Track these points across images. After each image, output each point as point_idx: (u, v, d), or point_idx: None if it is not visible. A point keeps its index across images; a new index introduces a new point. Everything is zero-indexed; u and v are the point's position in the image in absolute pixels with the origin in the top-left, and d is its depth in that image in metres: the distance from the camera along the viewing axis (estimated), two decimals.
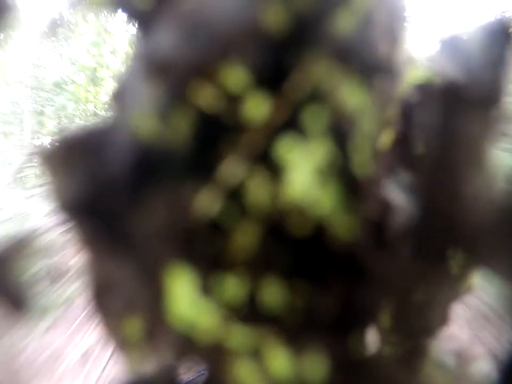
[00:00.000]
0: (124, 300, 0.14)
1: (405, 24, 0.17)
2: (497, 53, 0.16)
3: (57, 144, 0.13)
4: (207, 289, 0.14)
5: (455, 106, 0.16)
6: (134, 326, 0.14)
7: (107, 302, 0.14)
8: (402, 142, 0.16)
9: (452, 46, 0.17)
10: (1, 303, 0.17)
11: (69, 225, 0.13)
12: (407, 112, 0.16)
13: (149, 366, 0.14)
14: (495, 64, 0.16)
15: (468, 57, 0.17)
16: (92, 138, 0.13)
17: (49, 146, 0.13)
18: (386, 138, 0.17)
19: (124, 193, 0.13)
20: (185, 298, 0.14)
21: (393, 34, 0.16)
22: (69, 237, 0.13)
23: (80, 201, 0.13)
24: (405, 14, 0.17)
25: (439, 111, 0.16)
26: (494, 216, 0.17)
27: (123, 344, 0.14)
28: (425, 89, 0.16)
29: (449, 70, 0.17)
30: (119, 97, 0.13)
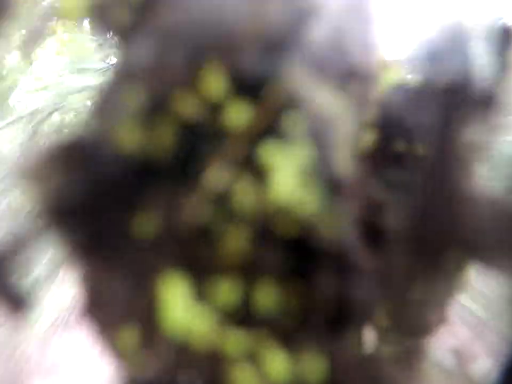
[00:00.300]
0: (118, 309, 0.14)
1: (377, 29, 0.17)
2: (466, 52, 0.17)
3: (41, 154, 0.14)
4: (201, 295, 0.15)
5: (431, 105, 0.17)
6: (130, 335, 0.14)
7: (101, 311, 0.14)
8: (384, 142, 0.17)
9: (426, 47, 0.18)
10: (1, 303, 0.17)
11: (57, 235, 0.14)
12: (386, 113, 0.17)
13: (146, 374, 0.14)
14: (467, 63, 0.17)
15: (441, 58, 0.17)
16: (75, 149, 0.14)
17: (31, 157, 0.13)
18: (367, 139, 0.17)
19: (110, 204, 0.14)
20: (179, 305, 0.14)
21: (365, 40, 0.17)
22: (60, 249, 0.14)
23: (67, 210, 0.13)
24: (377, 20, 0.18)
25: (416, 110, 0.17)
26: (491, 214, 0.17)
27: (119, 353, 0.14)
28: (401, 90, 0.17)
29: (424, 70, 0.18)
30: (100, 107, 0.14)
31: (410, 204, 0.17)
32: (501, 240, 0.18)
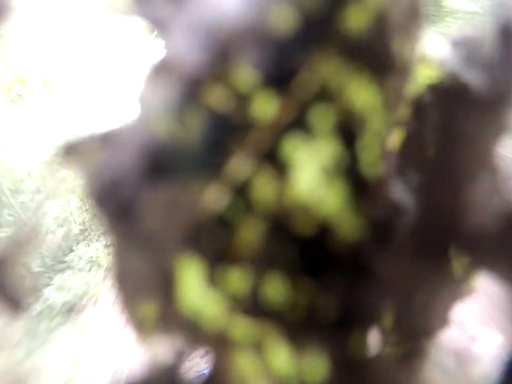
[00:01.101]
0: (139, 286, 0.15)
1: (421, 22, 0.16)
2: (510, 53, 0.16)
3: (87, 138, 0.14)
4: (213, 280, 0.15)
5: (467, 107, 0.16)
6: (149, 309, 0.15)
7: (127, 285, 0.15)
8: (413, 143, 0.16)
9: (465, 45, 0.17)
10: (0, 303, 0.18)
11: (95, 212, 0.14)
12: (419, 112, 0.16)
13: (161, 348, 0.15)
14: (508, 65, 0.16)
15: (481, 58, 0.16)
16: (117, 135, 0.14)
17: (78, 140, 0.14)
18: (396, 138, 0.16)
19: (137, 187, 0.14)
20: (193, 287, 0.15)
21: (407, 32, 0.16)
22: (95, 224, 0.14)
23: (104, 190, 0.14)
24: (422, 11, 0.16)
25: (450, 112, 0.16)
26: (498, 218, 0.17)
27: (139, 325, 0.15)
28: (438, 89, 0.16)
29: (462, 70, 0.16)
30: (142, 98, 0.14)
31: (423, 207, 0.17)
32: (508, 245, 0.17)
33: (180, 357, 0.17)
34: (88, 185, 0.14)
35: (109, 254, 0.16)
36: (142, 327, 0.15)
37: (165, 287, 0.15)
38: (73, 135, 0.14)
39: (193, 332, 0.15)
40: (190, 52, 0.12)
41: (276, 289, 0.15)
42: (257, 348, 0.15)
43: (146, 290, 0.15)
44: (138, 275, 0.15)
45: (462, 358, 0.19)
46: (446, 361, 0.18)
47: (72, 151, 0.15)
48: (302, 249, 0.15)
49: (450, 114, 0.16)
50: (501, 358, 0.20)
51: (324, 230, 0.15)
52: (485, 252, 0.17)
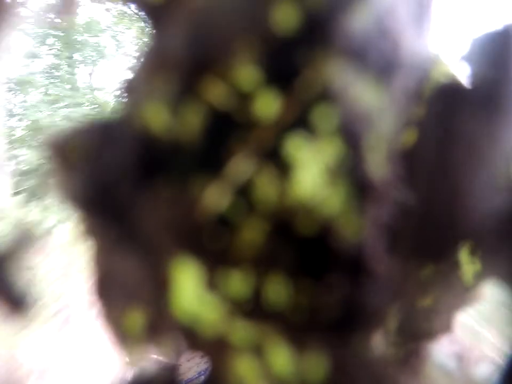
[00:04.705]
0: (127, 292, 0.14)
1: (432, 15, 0.16)
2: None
3: (69, 136, 0.13)
4: (212, 283, 0.15)
5: (482, 108, 0.15)
6: (136, 318, 0.14)
7: (110, 293, 0.14)
8: (424, 144, 0.16)
9: (484, 44, 0.16)
10: (0, 303, 0.17)
11: (76, 216, 0.14)
12: (431, 112, 0.16)
13: (149, 360, 0.15)
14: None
15: (501, 57, 0.15)
16: (103, 131, 0.14)
17: (60, 138, 0.13)
18: (407, 139, 0.16)
19: (132, 186, 0.14)
20: (190, 291, 0.14)
21: (418, 26, 0.15)
22: (75, 229, 0.14)
23: (89, 192, 0.13)
24: (433, 4, 0.16)
25: (464, 112, 0.15)
26: (499, 217, 0.16)
27: (123, 337, 0.14)
28: (452, 89, 0.15)
29: (481, 69, 0.16)
30: (131, 90, 0.13)
31: (428, 209, 0.16)
32: (508, 244, 0.17)
33: (172, 372, 0.17)
34: (73, 186, 0.14)
35: (89, 262, 0.15)
36: (127, 337, 0.15)
37: (158, 293, 0.14)
38: (57, 131, 0.14)
39: (189, 338, 0.14)
40: (189, 44, 0.12)
41: (277, 290, 0.15)
42: (258, 350, 0.14)
43: (135, 297, 0.15)
44: (126, 281, 0.15)
45: (463, 359, 0.19)
46: (447, 362, 0.18)
47: (56, 149, 0.14)
48: (304, 249, 0.15)
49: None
50: (501, 358, 0.20)
51: (325, 231, 0.14)
52: (485, 251, 0.17)
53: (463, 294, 0.16)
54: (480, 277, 0.16)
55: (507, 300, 0.18)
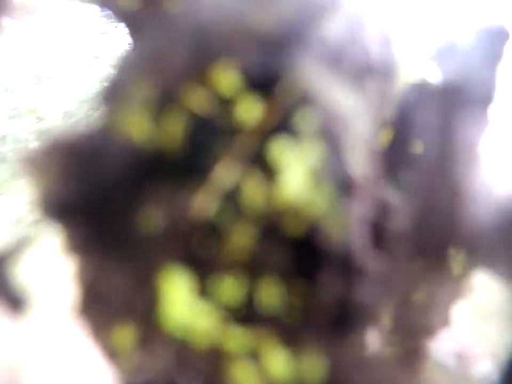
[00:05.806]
0: (116, 306, 0.14)
1: (399, 26, 0.17)
2: (492, 55, 0.16)
3: (45, 147, 0.13)
4: (203, 291, 0.14)
5: (451, 106, 0.16)
6: (125, 334, 0.14)
7: (97, 309, 0.14)
8: (400, 142, 0.16)
9: (448, 48, 0.17)
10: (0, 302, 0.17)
11: (57, 230, 0.13)
12: (404, 112, 0.16)
13: (140, 375, 0.14)
14: (490, 66, 0.16)
15: (463, 59, 0.17)
16: (82, 141, 0.13)
17: (36, 150, 0.13)
18: (383, 139, 0.17)
19: (117, 197, 0.14)
20: (181, 301, 0.14)
21: (385, 36, 0.16)
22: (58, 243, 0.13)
23: (70, 205, 0.13)
24: (399, 16, 0.17)
25: (435, 111, 0.16)
26: (494, 215, 0.17)
27: (113, 353, 0.14)
28: (421, 90, 0.16)
29: (445, 71, 0.17)
30: (110, 98, 0.14)
31: (416, 205, 0.17)
32: (505, 242, 0.17)
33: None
34: (50, 200, 0.13)
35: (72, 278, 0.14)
36: (117, 354, 0.14)
37: (147, 307, 0.14)
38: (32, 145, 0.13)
39: (182, 351, 0.14)
40: (169, 50, 0.12)
41: (270, 293, 0.15)
42: (254, 356, 0.14)
43: (123, 312, 0.14)
44: (112, 297, 0.14)
45: (462, 357, 0.19)
46: (447, 361, 0.18)
47: (33, 163, 0.14)
48: (295, 251, 0.15)
49: (436, 114, 0.17)
50: (501, 358, 0.20)
51: (313, 231, 0.15)
52: (483, 248, 0.17)
53: (455, 286, 0.17)
54: (468, 267, 0.16)
55: (507, 298, 0.18)
